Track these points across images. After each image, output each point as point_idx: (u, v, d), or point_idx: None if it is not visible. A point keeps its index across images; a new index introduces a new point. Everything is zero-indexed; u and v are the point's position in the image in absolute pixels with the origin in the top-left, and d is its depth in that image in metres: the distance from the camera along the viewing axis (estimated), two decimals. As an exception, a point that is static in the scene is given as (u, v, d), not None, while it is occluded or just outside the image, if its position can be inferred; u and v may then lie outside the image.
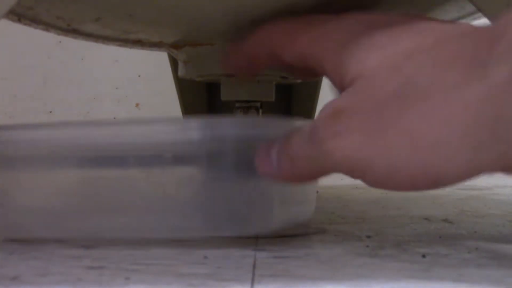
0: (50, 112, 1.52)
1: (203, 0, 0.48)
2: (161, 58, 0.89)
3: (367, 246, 0.47)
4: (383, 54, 0.37)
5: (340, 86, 0.39)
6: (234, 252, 0.45)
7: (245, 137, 0.44)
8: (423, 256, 0.43)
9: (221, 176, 0.44)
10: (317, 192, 0.55)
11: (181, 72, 0.62)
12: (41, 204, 0.49)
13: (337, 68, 0.40)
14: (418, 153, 0.35)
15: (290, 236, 0.51)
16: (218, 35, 0.55)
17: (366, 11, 0.43)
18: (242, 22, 0.51)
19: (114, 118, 1.51)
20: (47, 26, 0.57)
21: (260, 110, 0.62)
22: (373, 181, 0.37)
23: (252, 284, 0.36)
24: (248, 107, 0.60)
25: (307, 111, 0.86)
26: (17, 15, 0.53)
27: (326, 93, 1.15)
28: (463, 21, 0.57)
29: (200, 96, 0.83)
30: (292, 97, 0.87)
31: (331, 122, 0.38)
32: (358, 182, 0.39)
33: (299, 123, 0.43)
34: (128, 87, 1.51)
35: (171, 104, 1.44)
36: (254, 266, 0.40)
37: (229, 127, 0.43)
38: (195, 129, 0.43)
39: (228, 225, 0.45)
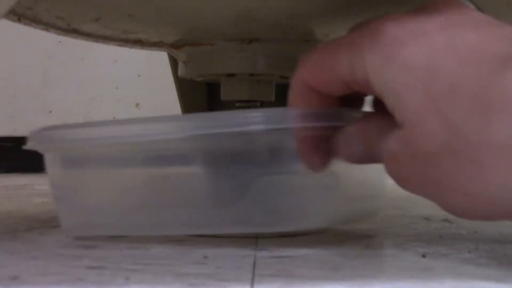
0: (50, 112, 1.52)
1: (203, 0, 0.48)
2: (161, 58, 0.89)
3: (367, 246, 0.47)
4: (425, 92, 0.36)
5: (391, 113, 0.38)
6: (234, 252, 0.45)
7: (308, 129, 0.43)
8: (423, 256, 0.43)
9: (285, 169, 0.44)
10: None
11: (181, 72, 0.62)
12: (109, 202, 0.49)
13: (383, 97, 0.38)
14: (476, 207, 0.36)
15: (290, 236, 0.51)
16: (218, 35, 0.55)
17: (396, 14, 0.39)
18: (242, 21, 0.51)
19: (114, 118, 1.52)
20: (47, 26, 0.57)
21: (260, 110, 0.62)
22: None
23: (252, 284, 0.36)
24: (248, 107, 0.60)
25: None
26: (17, 15, 0.53)
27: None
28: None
29: (200, 96, 0.83)
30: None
31: (391, 165, 0.39)
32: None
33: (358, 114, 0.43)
34: (128, 87, 1.51)
35: (171, 104, 1.44)
36: (254, 266, 0.40)
37: (295, 118, 0.42)
38: (260, 123, 0.42)
39: (294, 219, 0.45)
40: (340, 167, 0.44)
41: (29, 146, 0.49)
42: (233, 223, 0.45)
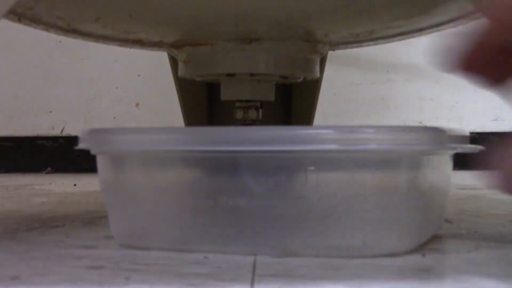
0: (50, 112, 1.52)
1: (204, 0, 0.48)
2: (161, 58, 0.89)
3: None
4: None
5: None
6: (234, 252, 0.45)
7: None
8: (423, 256, 0.43)
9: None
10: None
11: (181, 72, 0.62)
12: (167, 212, 0.46)
13: None
14: None
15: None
16: (219, 35, 0.55)
17: None
18: (243, 21, 0.51)
19: (114, 118, 1.51)
20: (47, 26, 0.56)
21: (260, 110, 0.62)
22: None
23: (252, 284, 0.36)
24: (248, 106, 0.60)
25: (307, 111, 0.86)
26: (17, 15, 0.53)
27: (326, 93, 1.15)
28: (463, 21, 0.57)
29: (200, 96, 0.83)
30: (292, 97, 0.87)
31: None
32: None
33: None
34: (128, 86, 1.51)
35: (171, 103, 1.43)
36: (254, 266, 0.40)
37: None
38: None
39: (385, 243, 0.43)
40: (428, 187, 0.43)
41: (81, 146, 0.46)
42: (318, 247, 0.43)
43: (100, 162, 0.47)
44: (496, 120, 1.47)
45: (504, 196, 0.82)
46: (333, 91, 1.46)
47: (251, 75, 0.57)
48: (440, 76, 1.47)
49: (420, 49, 1.48)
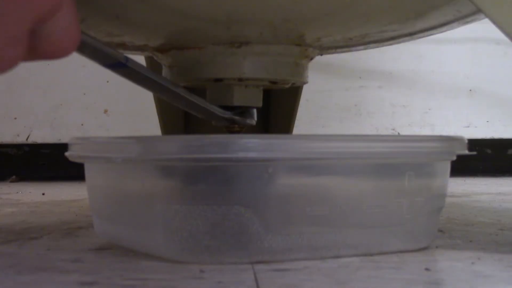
0: (15, 118, 1.48)
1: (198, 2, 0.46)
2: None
3: (365, 257, 0.45)
4: None
5: None
6: (229, 264, 0.43)
7: None
8: (427, 269, 0.42)
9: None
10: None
11: (164, 76, 0.60)
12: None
13: None
14: None
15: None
16: (208, 38, 0.53)
17: None
18: (235, 23, 0.49)
19: (82, 125, 1.49)
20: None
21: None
22: None
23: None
24: (241, 112, 0.58)
25: (286, 119, 0.85)
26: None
27: (308, 102, 1.13)
28: (457, 23, 0.56)
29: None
30: (270, 104, 0.85)
31: None
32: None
33: None
34: (96, 93, 1.48)
35: (140, 110, 1.41)
36: (256, 281, 0.38)
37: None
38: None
39: (407, 240, 0.48)
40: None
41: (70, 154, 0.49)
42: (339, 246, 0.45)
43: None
44: (468, 127, 1.47)
45: (485, 203, 0.82)
46: (305, 97, 1.45)
47: (240, 80, 0.55)
48: (413, 83, 1.47)
49: (393, 56, 1.48)
